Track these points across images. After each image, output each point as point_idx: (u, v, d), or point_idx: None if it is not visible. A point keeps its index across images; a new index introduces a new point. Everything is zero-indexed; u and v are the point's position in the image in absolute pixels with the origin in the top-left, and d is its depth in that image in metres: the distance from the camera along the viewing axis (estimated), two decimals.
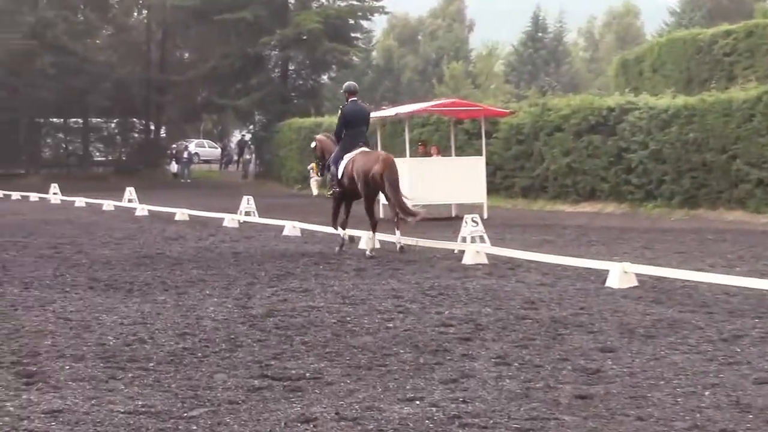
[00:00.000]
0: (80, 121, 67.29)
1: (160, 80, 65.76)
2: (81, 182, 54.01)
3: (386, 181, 17.25)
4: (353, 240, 18.57)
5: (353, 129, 17.88)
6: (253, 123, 66.87)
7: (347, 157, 17.72)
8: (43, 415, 6.77)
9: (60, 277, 14.54)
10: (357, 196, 17.98)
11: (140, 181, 51.60)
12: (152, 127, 69.21)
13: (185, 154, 64.90)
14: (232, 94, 62.28)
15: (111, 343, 9.36)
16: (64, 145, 67.18)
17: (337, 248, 17.95)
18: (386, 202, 18.60)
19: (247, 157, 65.84)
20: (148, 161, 66.26)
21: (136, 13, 70.55)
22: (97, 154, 69.17)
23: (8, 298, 12.24)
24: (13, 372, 8.07)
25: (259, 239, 21.21)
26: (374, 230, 17.86)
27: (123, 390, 7.52)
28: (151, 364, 8.42)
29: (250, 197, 27.22)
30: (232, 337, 9.68)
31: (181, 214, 27.72)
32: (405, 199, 17.72)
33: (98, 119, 67.89)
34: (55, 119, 67.06)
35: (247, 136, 70.85)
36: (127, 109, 66.44)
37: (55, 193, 39.64)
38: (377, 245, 18.10)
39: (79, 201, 36.04)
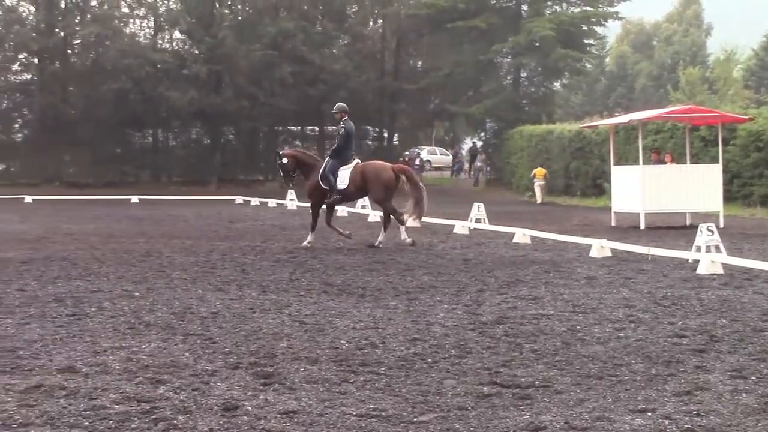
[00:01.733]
0: (316, 128, 68.98)
1: (394, 88, 66.69)
2: None
3: (409, 181, 20.86)
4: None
5: (351, 144, 21.12)
6: (485, 130, 67.03)
7: (349, 167, 20.65)
8: (279, 416, 6.96)
9: (295, 281, 14.93)
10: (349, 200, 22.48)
11: None
12: (385, 135, 70.26)
13: (417, 161, 65.59)
14: (463, 102, 62.65)
15: (344, 346, 9.54)
16: None
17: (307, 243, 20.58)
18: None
19: (478, 164, 65.98)
20: None
21: (371, 23, 71.81)
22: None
23: (247, 300, 12.65)
24: (251, 373, 8.33)
25: (489, 246, 21.21)
26: (402, 223, 21.02)
27: (355, 393, 7.65)
28: (382, 369, 8.53)
29: (481, 204, 27.27)
30: (462, 343, 9.71)
31: (412, 220, 27.94)
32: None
33: (333, 127, 69.34)
34: (292, 127, 68.98)
35: (479, 144, 71.03)
36: (362, 117, 67.65)
37: (291, 200, 40.73)
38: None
39: None
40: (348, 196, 21.70)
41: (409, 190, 20.87)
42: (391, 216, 20.85)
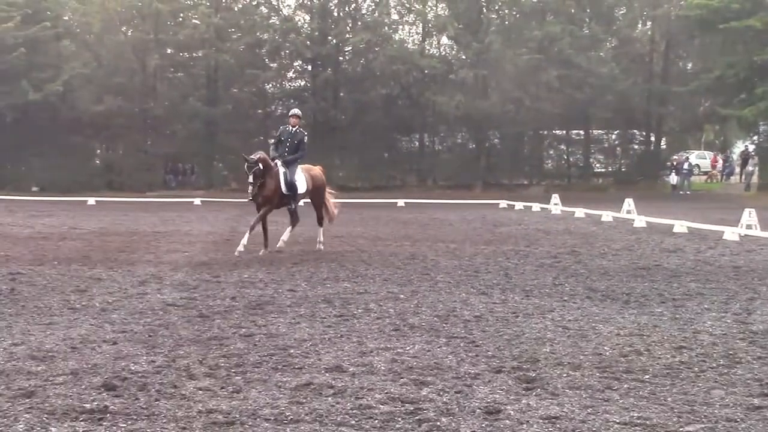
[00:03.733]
0: (582, 132, 68.31)
1: (662, 91, 65.19)
2: (581, 193, 55.01)
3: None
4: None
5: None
6: (758, 133, 64.56)
7: (299, 172, 20.82)
8: (541, 421, 6.98)
9: (559, 286, 14.88)
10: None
11: (639, 192, 51.63)
12: (652, 138, 68.81)
13: (685, 165, 63.92)
14: (735, 104, 60.53)
15: (607, 353, 9.44)
16: (565, 157, 68.51)
17: (241, 249, 19.69)
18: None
19: (750, 168, 63.60)
20: (648, 172, 65.99)
21: (640, 25, 70.45)
22: (597, 165, 69.81)
23: (510, 305, 12.71)
24: (513, 377, 8.37)
25: (761, 254, 20.45)
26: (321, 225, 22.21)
27: (618, 401, 7.57)
28: (647, 377, 8.40)
29: (752, 210, 26.32)
30: (731, 353, 9.43)
31: (680, 226, 27.34)
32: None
33: (599, 131, 68.63)
34: (558, 131, 68.59)
35: (751, 147, 68.51)
36: (628, 121, 66.58)
37: (555, 204, 40.53)
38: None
39: (579, 211, 36.62)
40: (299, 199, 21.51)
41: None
42: (322, 218, 22.08)
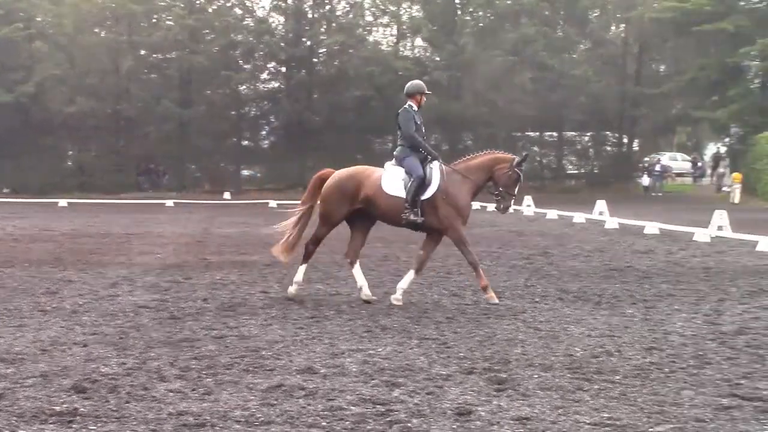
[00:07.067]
0: (555, 134, 68.56)
1: (635, 93, 65.49)
2: (554, 194, 55.21)
3: None
4: None
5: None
6: (729, 135, 64.98)
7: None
8: (512, 421, 7.00)
9: (531, 287, 14.93)
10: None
11: (611, 194, 51.83)
12: (625, 140, 69.14)
13: (657, 167, 64.24)
14: (707, 106, 60.90)
15: (578, 354, 9.47)
16: (538, 158, 68.73)
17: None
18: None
19: (721, 170, 64.00)
20: (620, 174, 66.29)
21: (613, 27, 70.76)
22: (570, 167, 70.09)
23: (482, 306, 12.72)
24: (485, 378, 8.39)
25: (731, 255, 20.58)
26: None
27: (589, 401, 7.59)
28: (618, 377, 8.44)
29: (723, 211, 26.48)
30: (701, 353, 9.49)
31: (651, 227, 27.47)
32: None
33: (572, 132, 68.90)
34: (531, 133, 68.78)
35: (722, 149, 68.94)
36: (601, 123, 66.82)
37: (528, 205, 40.63)
38: None
39: (551, 213, 36.72)
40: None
41: None
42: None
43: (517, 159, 13.40)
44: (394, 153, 13.54)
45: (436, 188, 13.13)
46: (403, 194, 13.10)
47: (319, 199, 13.85)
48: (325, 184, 13.78)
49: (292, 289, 13.41)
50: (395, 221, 13.40)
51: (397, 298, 12.88)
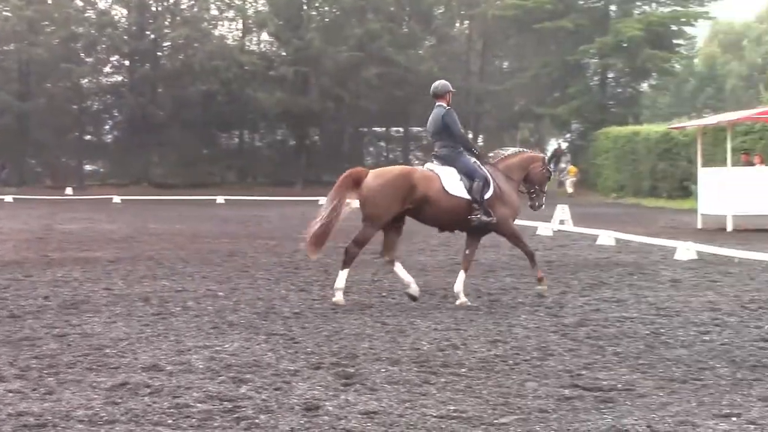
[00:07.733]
0: (401, 130, 69.12)
1: (479, 90, 66.50)
2: None
3: None
4: None
5: None
6: (570, 132, 66.61)
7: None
8: (359, 416, 6.99)
9: (378, 282, 15.00)
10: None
11: None
12: (470, 136, 70.14)
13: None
14: (549, 103, 62.30)
15: (425, 347, 9.53)
16: (385, 153, 69.17)
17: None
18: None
19: (563, 165, 65.39)
20: None
21: (458, 24, 71.68)
22: (416, 162, 70.69)
23: (330, 301, 12.71)
24: (332, 373, 8.37)
25: (572, 248, 21.09)
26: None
27: (435, 394, 7.65)
28: (463, 370, 8.52)
29: (565, 206, 27.08)
30: (544, 345, 9.66)
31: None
32: None
33: (418, 128, 69.53)
34: (377, 128, 69.20)
35: (564, 145, 70.58)
36: None
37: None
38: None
39: None
40: None
41: None
42: None
43: (547, 157, 13.80)
44: (439, 153, 13.23)
45: (492, 189, 13.05)
46: (464, 195, 12.83)
47: (361, 200, 13.12)
48: (369, 185, 12.85)
49: (337, 298, 12.59)
50: (454, 222, 13.20)
51: (462, 300, 12.61)
